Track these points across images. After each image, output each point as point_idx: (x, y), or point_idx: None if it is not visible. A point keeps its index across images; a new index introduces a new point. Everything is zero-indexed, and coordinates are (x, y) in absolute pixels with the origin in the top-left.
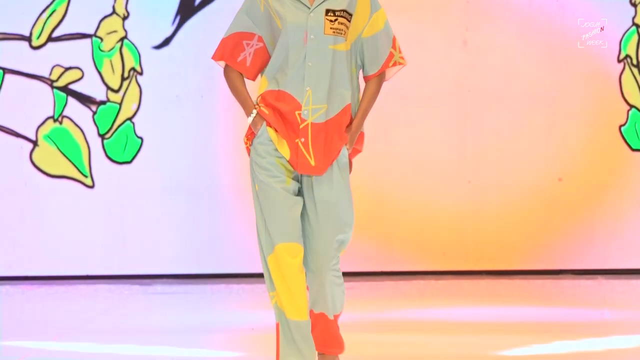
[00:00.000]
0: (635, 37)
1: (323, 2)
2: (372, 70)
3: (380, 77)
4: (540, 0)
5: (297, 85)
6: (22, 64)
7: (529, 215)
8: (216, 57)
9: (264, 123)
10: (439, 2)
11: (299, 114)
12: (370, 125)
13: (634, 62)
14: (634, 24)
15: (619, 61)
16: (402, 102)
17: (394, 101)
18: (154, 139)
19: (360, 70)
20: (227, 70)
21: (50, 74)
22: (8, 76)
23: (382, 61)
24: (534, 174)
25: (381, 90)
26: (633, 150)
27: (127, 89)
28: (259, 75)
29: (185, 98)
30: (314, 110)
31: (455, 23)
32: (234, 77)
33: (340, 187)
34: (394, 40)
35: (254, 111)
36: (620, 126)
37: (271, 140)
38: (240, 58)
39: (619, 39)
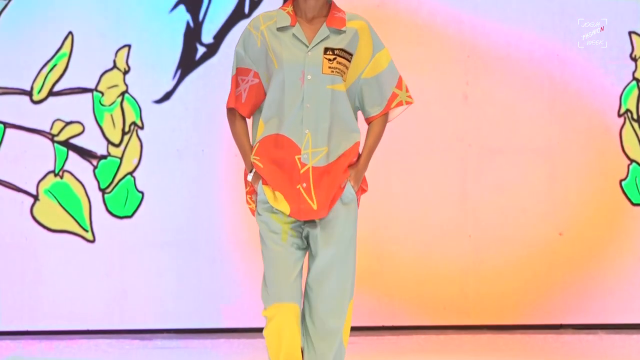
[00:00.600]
0: (636, 91)
1: (322, 40)
2: (374, 112)
3: (384, 118)
4: (540, 54)
5: (296, 128)
6: (23, 119)
7: (529, 269)
8: (230, 103)
9: (261, 180)
10: (440, 56)
11: (299, 159)
12: (370, 179)
13: (634, 116)
14: (634, 78)
15: (619, 115)
16: (403, 155)
17: (395, 155)
18: (155, 193)
19: (359, 113)
20: (229, 110)
21: (51, 128)
22: (9, 130)
23: (384, 102)
24: (534, 229)
25: (381, 144)
26: (634, 204)
27: (127, 143)
28: (256, 114)
29: (186, 152)
30: (314, 153)
31: (455, 77)
32: (236, 121)
33: (346, 228)
34: (399, 80)
35: (254, 170)
36: (621, 181)
37: (267, 200)
38: (235, 94)
39: (619, 94)
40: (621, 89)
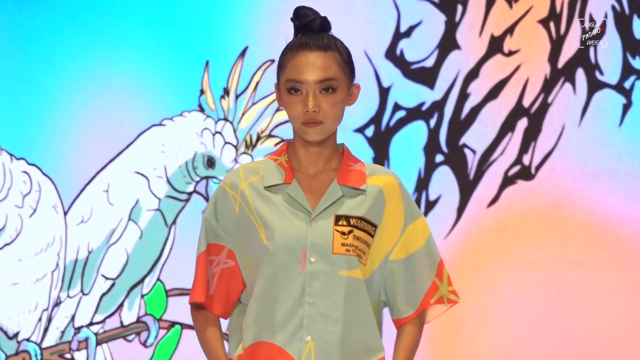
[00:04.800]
0: None
1: (332, 204)
2: (407, 312)
3: (420, 318)
4: None
5: (292, 334)
6: None
7: None
8: (196, 296)
9: None
10: (616, 257)
11: None
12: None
13: None
14: None
15: None
16: (577, 353)
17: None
18: None
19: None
20: (193, 307)
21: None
22: (185, 331)
23: (420, 296)
24: None
25: (552, 336)
26: None
27: None
28: (236, 307)
29: None
30: None
31: (634, 278)
32: (203, 321)
33: None
34: (440, 264)
35: None
36: None
37: None
38: (202, 284)
39: None
40: None
